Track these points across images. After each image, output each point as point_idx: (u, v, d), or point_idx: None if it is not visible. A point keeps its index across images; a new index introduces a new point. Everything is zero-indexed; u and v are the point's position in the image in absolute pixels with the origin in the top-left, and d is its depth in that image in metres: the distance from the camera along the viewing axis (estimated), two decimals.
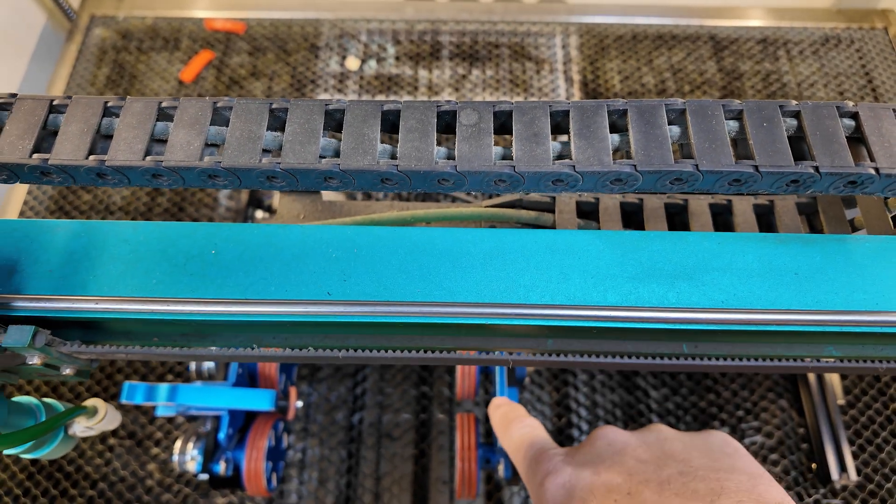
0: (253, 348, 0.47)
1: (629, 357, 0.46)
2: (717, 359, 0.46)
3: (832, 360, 0.48)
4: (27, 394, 0.83)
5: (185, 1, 1.39)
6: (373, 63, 1.31)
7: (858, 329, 0.43)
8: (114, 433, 0.99)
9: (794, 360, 0.47)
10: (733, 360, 0.47)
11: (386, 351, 0.45)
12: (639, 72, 1.30)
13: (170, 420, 0.99)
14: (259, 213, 0.94)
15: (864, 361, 0.47)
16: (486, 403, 1.00)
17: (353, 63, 1.31)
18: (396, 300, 0.43)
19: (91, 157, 0.41)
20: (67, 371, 0.48)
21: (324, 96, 1.27)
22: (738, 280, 0.44)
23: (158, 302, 0.43)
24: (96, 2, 1.39)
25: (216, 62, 1.31)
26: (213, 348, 0.47)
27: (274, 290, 0.43)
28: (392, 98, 1.26)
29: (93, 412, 0.58)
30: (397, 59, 1.32)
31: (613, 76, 1.30)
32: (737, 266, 0.45)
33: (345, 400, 1.01)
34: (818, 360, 0.48)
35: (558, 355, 0.46)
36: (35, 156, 0.41)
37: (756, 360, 0.47)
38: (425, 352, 0.46)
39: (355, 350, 0.45)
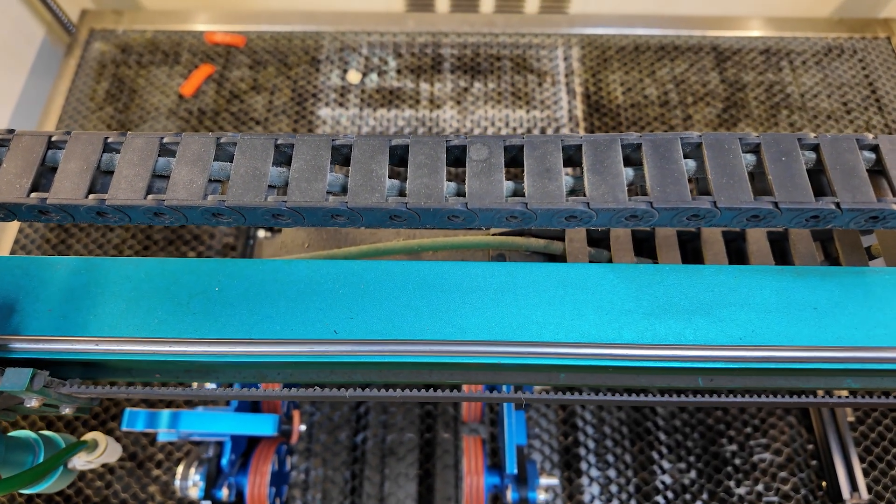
0: (256, 387, 0.46)
1: (644, 394, 0.45)
2: (735, 395, 0.45)
3: (848, 395, 0.46)
4: (26, 423, 0.82)
5: (186, 14, 1.38)
6: (374, 76, 1.31)
7: (881, 366, 0.42)
8: None
9: (813, 395, 0.46)
10: (751, 395, 0.45)
11: (393, 389, 0.44)
12: (641, 83, 1.30)
13: (171, 441, 0.97)
14: (261, 233, 0.93)
15: (881, 396, 0.46)
16: (493, 423, 0.98)
17: (354, 76, 1.30)
18: (405, 338, 0.42)
19: (91, 196, 0.40)
20: (66, 410, 0.47)
21: (325, 110, 1.26)
22: (756, 315, 0.43)
23: (160, 343, 0.42)
24: (96, 16, 1.38)
25: (216, 76, 1.30)
26: (216, 388, 0.45)
27: (279, 328, 0.42)
28: (394, 112, 1.25)
29: (93, 446, 0.57)
30: (398, 72, 1.31)
31: (616, 88, 1.29)
32: (755, 301, 0.43)
33: (348, 419, 1.00)
34: (837, 396, 0.46)
35: (571, 393, 0.44)
36: (33, 195, 0.40)
37: (774, 395, 0.45)
38: (434, 389, 0.45)
39: (362, 388, 0.44)
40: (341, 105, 1.27)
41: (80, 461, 0.58)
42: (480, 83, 1.30)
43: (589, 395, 0.45)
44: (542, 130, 1.24)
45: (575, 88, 1.29)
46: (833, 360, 0.41)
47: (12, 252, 1.10)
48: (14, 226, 1.14)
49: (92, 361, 0.45)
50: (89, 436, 0.58)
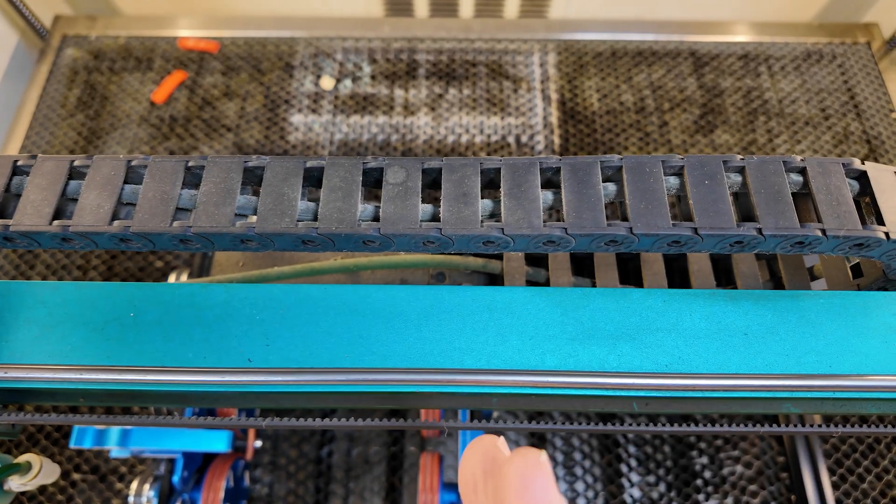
0: (172, 414, 0.45)
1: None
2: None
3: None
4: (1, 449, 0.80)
5: (159, 20, 1.37)
6: (348, 82, 1.29)
7: (811, 395, 0.41)
8: (76, 468, 0.96)
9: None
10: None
11: (314, 420, 0.43)
12: (617, 89, 1.28)
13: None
14: None
15: (821, 425, 0.45)
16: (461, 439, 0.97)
17: (327, 82, 1.29)
18: (321, 367, 0.41)
19: None
20: None
21: (298, 117, 1.25)
22: (684, 341, 0.42)
23: (71, 370, 0.41)
24: (68, 21, 1.37)
25: (189, 82, 1.29)
26: (135, 416, 0.44)
27: (192, 356, 0.41)
28: (367, 119, 1.24)
29: (27, 468, 0.56)
30: (373, 77, 1.30)
31: (592, 94, 1.28)
32: (683, 326, 0.42)
33: (313, 432, 0.99)
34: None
35: (496, 421, 0.43)
36: None
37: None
38: (356, 419, 0.44)
39: (280, 418, 0.43)
40: (314, 112, 1.26)
41: (16, 483, 0.57)
42: (455, 89, 1.29)
43: (519, 423, 0.44)
44: (517, 137, 1.23)
45: (550, 95, 1.28)
46: (761, 389, 0.40)
47: None
48: None
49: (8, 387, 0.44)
50: (23, 458, 0.57)
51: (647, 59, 1.33)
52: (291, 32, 1.35)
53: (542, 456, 0.31)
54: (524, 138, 1.23)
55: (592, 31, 1.35)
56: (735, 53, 1.34)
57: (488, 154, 1.22)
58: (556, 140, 1.23)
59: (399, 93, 1.28)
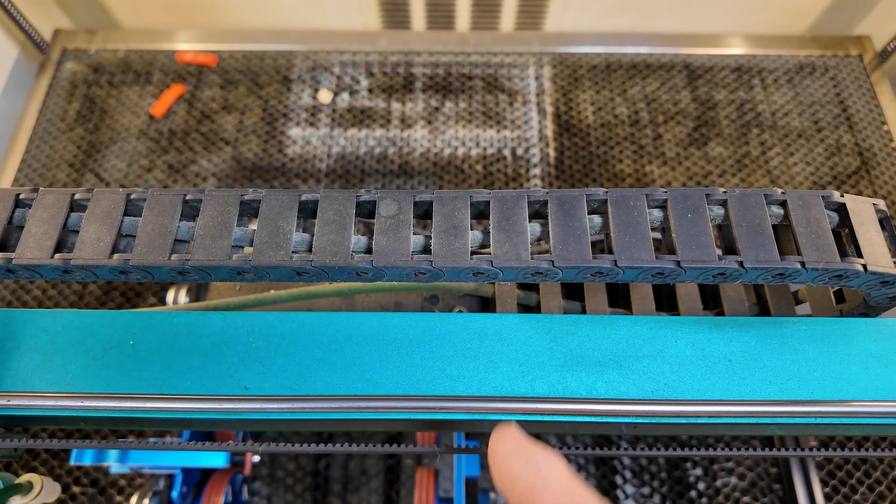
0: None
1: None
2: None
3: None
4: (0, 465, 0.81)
5: (158, 34, 1.38)
6: (345, 96, 1.31)
7: (793, 420, 0.42)
8: (76, 481, 0.97)
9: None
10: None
11: (308, 445, 0.44)
12: (612, 102, 1.30)
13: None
14: None
15: (805, 449, 0.46)
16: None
17: (325, 96, 1.30)
18: (316, 394, 0.42)
19: None
20: None
21: (295, 130, 1.26)
22: (669, 368, 0.43)
23: (72, 398, 0.42)
24: (68, 35, 1.38)
25: (187, 96, 1.30)
26: (132, 440, 0.45)
27: (190, 384, 0.42)
28: (364, 132, 1.25)
29: (28, 488, 0.57)
30: (370, 91, 1.31)
31: (587, 107, 1.29)
32: (669, 353, 0.43)
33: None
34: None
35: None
36: None
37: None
38: (350, 443, 0.45)
39: (276, 443, 0.44)
40: (312, 125, 1.27)
41: (17, 503, 0.58)
42: (452, 102, 1.30)
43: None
44: (513, 150, 1.25)
45: (545, 108, 1.29)
46: (743, 415, 0.41)
47: None
48: None
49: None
50: (24, 478, 0.57)
51: (641, 71, 1.34)
52: (289, 46, 1.36)
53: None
54: (520, 151, 1.24)
55: (587, 45, 1.37)
56: (728, 66, 1.35)
57: (484, 166, 1.23)
58: (552, 153, 1.24)
59: (396, 106, 1.30)
